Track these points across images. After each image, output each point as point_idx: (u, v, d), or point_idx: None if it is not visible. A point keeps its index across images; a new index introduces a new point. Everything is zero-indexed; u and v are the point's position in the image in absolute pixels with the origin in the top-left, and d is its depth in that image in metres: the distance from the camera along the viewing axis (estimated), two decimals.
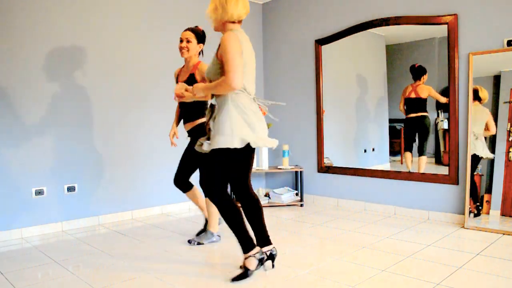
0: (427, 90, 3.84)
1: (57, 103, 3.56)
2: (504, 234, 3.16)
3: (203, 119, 2.94)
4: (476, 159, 3.46)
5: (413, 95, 3.92)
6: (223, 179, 2.36)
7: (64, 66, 3.60)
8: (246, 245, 2.38)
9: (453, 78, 3.54)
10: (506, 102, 3.36)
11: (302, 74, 4.77)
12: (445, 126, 3.76)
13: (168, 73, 4.15)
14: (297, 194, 4.70)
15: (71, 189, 3.66)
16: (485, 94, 3.42)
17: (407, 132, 4.11)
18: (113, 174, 3.93)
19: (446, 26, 3.55)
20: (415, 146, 4.04)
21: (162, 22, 4.25)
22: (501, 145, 3.36)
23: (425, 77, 3.84)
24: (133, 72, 4.04)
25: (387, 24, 3.95)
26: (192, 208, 4.45)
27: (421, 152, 3.97)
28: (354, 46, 4.45)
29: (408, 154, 4.05)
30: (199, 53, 3.09)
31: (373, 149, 4.55)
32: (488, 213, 3.39)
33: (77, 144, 3.68)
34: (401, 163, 4.35)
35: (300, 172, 4.56)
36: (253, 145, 2.28)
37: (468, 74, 3.47)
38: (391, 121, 4.33)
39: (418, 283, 2.25)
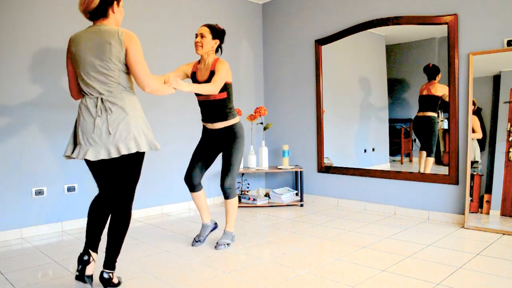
0: (441, 88, 3.78)
1: (57, 102, 3.56)
2: (504, 234, 3.16)
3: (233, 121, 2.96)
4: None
5: (425, 93, 3.90)
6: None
7: (63, 66, 3.60)
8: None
9: (453, 78, 3.54)
10: (506, 102, 3.36)
11: (302, 74, 4.77)
12: (445, 126, 3.76)
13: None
14: (297, 194, 4.70)
15: (71, 189, 3.66)
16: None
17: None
18: None
19: (446, 26, 3.56)
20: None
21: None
22: (501, 145, 3.35)
23: (439, 76, 3.81)
24: None
25: (387, 24, 3.95)
26: (192, 208, 4.45)
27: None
28: (354, 46, 4.45)
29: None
30: (217, 50, 2.96)
31: (373, 149, 4.55)
32: (488, 213, 3.39)
33: None
34: (401, 163, 4.35)
35: (300, 172, 4.56)
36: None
37: (468, 74, 3.47)
38: (391, 121, 4.33)
39: (418, 283, 2.25)
